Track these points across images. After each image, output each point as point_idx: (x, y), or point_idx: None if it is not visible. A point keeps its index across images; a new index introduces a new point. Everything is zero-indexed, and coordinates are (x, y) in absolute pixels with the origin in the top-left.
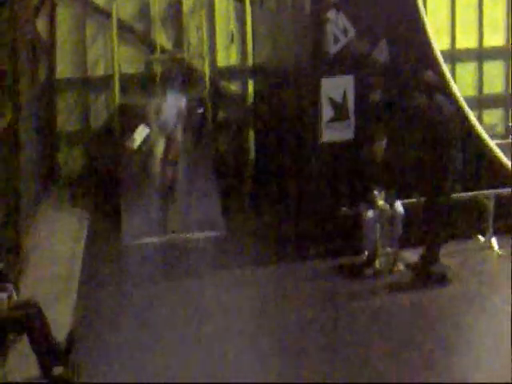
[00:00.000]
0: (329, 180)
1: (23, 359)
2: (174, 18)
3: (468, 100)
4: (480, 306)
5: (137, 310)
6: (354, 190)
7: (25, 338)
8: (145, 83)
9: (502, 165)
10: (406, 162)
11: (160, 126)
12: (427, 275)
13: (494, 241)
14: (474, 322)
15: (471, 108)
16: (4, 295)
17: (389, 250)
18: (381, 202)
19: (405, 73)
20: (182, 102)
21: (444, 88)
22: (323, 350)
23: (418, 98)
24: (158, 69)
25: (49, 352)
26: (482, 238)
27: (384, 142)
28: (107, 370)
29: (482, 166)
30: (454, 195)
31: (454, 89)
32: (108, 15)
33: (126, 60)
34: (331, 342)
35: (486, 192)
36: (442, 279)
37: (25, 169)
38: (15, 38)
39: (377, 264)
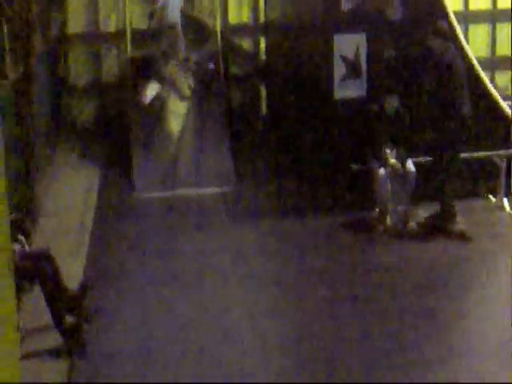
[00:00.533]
0: (342, 136)
1: (36, 308)
2: None
3: (481, 61)
4: (492, 264)
5: (147, 262)
6: (366, 147)
7: (38, 287)
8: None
9: None
10: (419, 119)
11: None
12: (447, 233)
13: (505, 201)
14: (486, 280)
15: (484, 69)
16: (17, 246)
17: (400, 207)
18: (392, 160)
19: (418, 29)
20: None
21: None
22: (331, 303)
23: (431, 40)
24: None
25: (61, 301)
26: (493, 198)
27: (396, 99)
28: (118, 318)
29: (494, 126)
30: (466, 154)
31: (466, 48)
32: None
33: (138, 15)
34: (339, 296)
35: (497, 152)
36: (462, 237)
37: (38, 121)
38: None
39: (388, 221)
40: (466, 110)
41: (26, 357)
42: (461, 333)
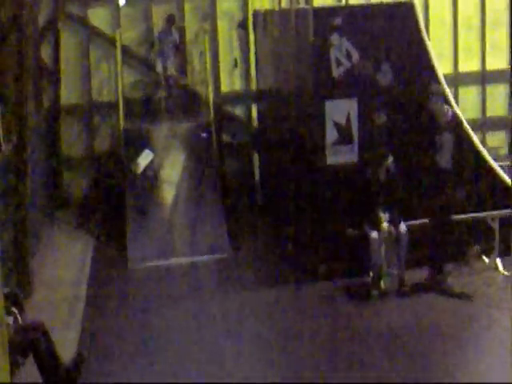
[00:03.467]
0: (334, 202)
1: (30, 382)
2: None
3: (471, 123)
4: (486, 326)
5: (142, 333)
6: (359, 212)
7: (31, 361)
8: (149, 108)
9: (505, 187)
10: (411, 183)
11: None
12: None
13: (498, 261)
14: (480, 342)
15: (474, 130)
16: (10, 318)
17: (394, 270)
18: (384, 225)
19: (409, 93)
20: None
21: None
22: (329, 370)
23: (432, 103)
24: (162, 93)
25: (55, 373)
26: (486, 259)
27: (389, 164)
28: None
29: (487, 188)
30: (460, 216)
31: (456, 110)
32: (112, 41)
33: (130, 85)
34: (337, 363)
35: (490, 213)
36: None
37: (31, 193)
38: (21, 62)
39: (382, 284)
40: (445, 163)
41: None
42: None
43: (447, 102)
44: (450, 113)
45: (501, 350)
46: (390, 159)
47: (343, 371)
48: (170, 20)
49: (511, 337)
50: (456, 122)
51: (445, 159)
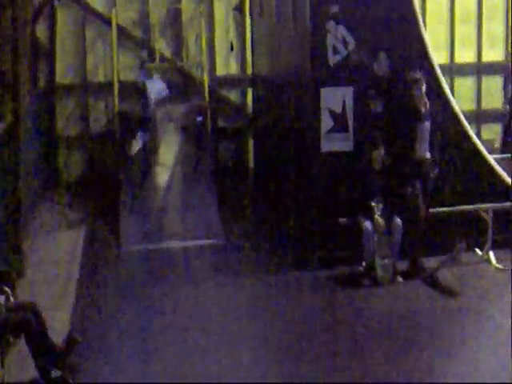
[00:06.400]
0: (328, 189)
1: (21, 361)
2: (174, 26)
3: (466, 114)
4: (477, 319)
5: (134, 315)
6: (353, 200)
7: (23, 341)
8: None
9: (500, 179)
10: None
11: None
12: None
13: (491, 254)
14: (471, 335)
15: (469, 123)
16: (2, 297)
17: (387, 260)
18: (377, 215)
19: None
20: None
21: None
22: (320, 358)
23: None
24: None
25: (46, 354)
26: (479, 252)
27: (382, 152)
28: (104, 373)
29: (481, 180)
30: (453, 208)
31: (451, 101)
32: (107, 21)
33: (125, 66)
34: (329, 351)
35: (484, 206)
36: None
37: (25, 172)
38: (16, 40)
39: (375, 274)
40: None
41: None
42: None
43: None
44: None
45: (487, 341)
46: (382, 149)
47: (330, 358)
48: None
49: (499, 329)
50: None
51: (424, 148)
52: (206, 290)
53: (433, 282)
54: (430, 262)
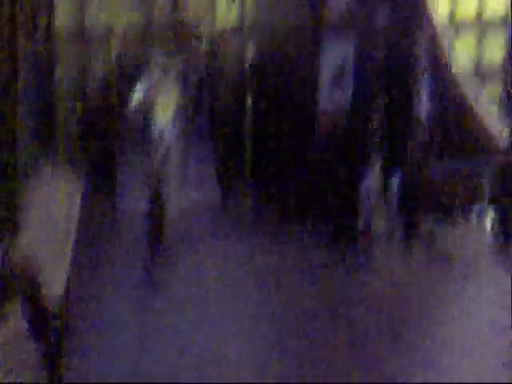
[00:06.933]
0: (325, 148)
1: (15, 323)
2: None
3: (467, 71)
4: (477, 279)
5: (131, 274)
6: (351, 160)
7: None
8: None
9: (498, 138)
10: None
11: None
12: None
13: (488, 218)
14: (471, 295)
15: (470, 79)
16: None
17: (385, 223)
18: (375, 174)
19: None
20: None
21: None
22: (317, 319)
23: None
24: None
25: (41, 314)
26: (476, 212)
27: (381, 108)
28: (101, 333)
29: (479, 140)
30: (451, 167)
31: (451, 59)
32: None
33: (126, 12)
34: (327, 311)
35: (479, 166)
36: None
37: (22, 124)
38: None
39: (372, 234)
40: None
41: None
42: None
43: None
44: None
45: (478, 308)
46: (381, 106)
47: (321, 321)
48: None
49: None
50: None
51: (423, 105)
52: (204, 248)
53: (433, 242)
54: (429, 222)
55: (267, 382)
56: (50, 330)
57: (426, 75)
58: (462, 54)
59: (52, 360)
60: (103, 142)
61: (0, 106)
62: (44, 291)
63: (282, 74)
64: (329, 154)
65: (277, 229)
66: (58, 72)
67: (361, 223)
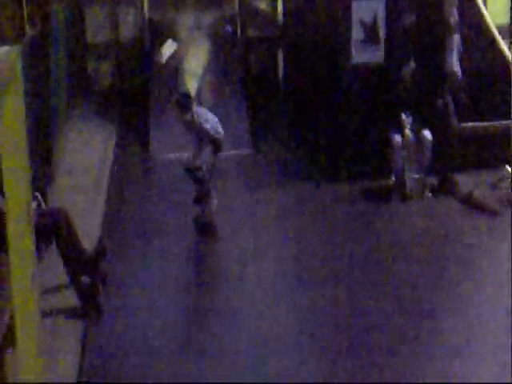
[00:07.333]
0: (358, 103)
1: (52, 268)
2: None
3: (499, 29)
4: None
5: (164, 222)
6: (383, 113)
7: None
8: None
9: None
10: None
11: None
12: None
13: None
14: (497, 250)
15: (502, 37)
16: (33, 203)
17: (416, 175)
18: (406, 129)
19: None
20: None
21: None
22: (347, 269)
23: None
24: None
25: (77, 260)
26: (509, 168)
27: (412, 64)
28: (134, 281)
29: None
30: (485, 123)
31: (484, 15)
32: None
33: None
34: (357, 264)
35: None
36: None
37: (54, 79)
38: None
39: (404, 190)
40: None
41: (43, 315)
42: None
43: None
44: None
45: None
46: (412, 62)
47: (357, 271)
48: None
49: None
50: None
51: (454, 61)
52: (233, 198)
53: (466, 200)
54: (462, 179)
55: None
56: (88, 275)
57: (457, 33)
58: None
59: (89, 303)
60: (135, 94)
61: (32, 61)
62: (79, 238)
63: (315, 30)
64: (362, 108)
65: (307, 180)
66: (89, 29)
67: (393, 178)
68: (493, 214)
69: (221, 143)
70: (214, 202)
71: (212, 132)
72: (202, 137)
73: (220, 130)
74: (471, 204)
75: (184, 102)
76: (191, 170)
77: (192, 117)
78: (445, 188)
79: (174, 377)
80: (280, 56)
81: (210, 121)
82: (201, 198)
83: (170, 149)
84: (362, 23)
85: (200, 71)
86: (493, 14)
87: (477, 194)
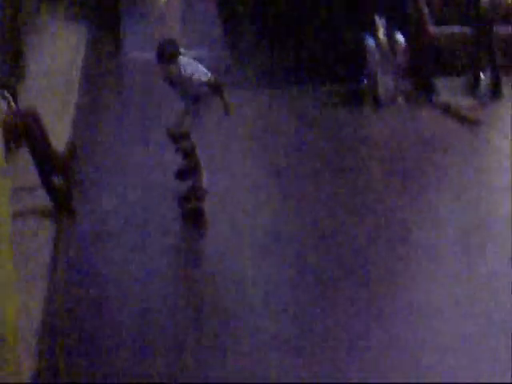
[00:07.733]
0: (333, 6)
1: (23, 169)
2: None
3: None
4: (481, 139)
5: (135, 122)
6: (357, 17)
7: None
8: None
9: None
10: None
11: None
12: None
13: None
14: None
15: None
16: (4, 103)
17: (389, 78)
18: (380, 33)
19: None
20: None
21: None
22: (320, 172)
23: None
24: None
25: (48, 160)
26: (482, 76)
27: None
28: (105, 181)
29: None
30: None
31: None
32: None
33: None
34: (329, 165)
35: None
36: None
37: None
38: None
39: (377, 93)
40: None
41: (14, 216)
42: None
43: None
44: None
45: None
46: None
47: (327, 170)
48: None
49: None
50: None
51: None
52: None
53: (444, 109)
54: (437, 85)
55: None
56: (59, 176)
57: None
58: None
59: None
60: None
61: None
62: (50, 138)
63: None
64: (335, 10)
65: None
66: None
67: (369, 81)
68: (472, 123)
69: (219, 83)
70: (204, 178)
71: (204, 78)
72: (191, 93)
73: (210, 73)
74: (450, 113)
75: (169, 49)
76: (176, 137)
77: (178, 68)
78: (417, 93)
79: (143, 264)
80: None
81: (199, 71)
82: (186, 172)
83: (142, 49)
84: None
85: None
86: None
87: (453, 101)
